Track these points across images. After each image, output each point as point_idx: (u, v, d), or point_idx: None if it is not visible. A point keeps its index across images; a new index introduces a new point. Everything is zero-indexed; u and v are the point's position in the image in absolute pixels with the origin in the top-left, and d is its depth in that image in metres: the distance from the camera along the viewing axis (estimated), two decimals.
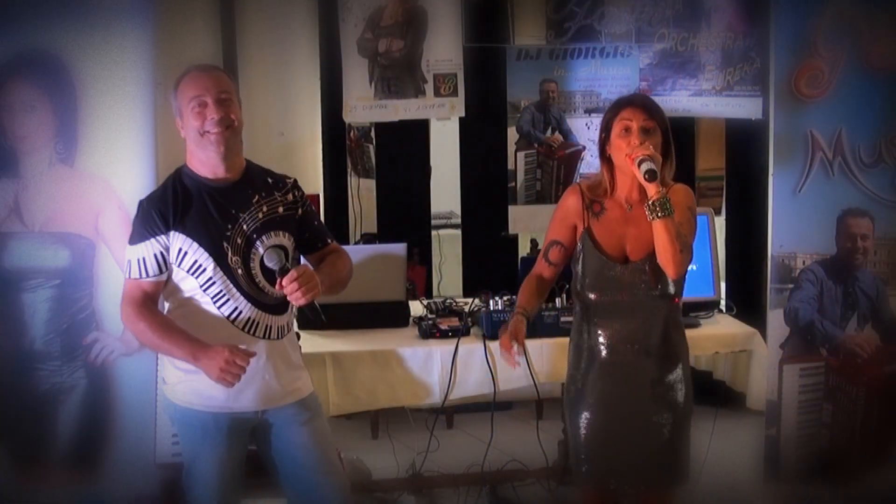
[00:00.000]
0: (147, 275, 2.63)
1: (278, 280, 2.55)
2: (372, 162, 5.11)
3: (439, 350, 3.38)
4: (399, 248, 3.63)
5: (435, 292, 5.11)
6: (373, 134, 5.08)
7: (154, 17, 3.24)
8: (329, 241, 2.83)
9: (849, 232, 3.64)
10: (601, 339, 2.77)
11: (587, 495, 2.90)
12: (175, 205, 2.61)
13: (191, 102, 2.59)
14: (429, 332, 3.46)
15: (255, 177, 2.71)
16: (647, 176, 2.56)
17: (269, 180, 2.72)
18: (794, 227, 3.64)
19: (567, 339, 3.30)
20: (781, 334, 3.66)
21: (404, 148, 5.03)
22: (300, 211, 2.74)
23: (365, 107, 4.74)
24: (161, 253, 2.61)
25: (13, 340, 3.23)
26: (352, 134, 5.10)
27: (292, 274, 2.52)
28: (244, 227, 2.61)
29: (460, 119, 4.89)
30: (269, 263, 2.58)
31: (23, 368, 3.24)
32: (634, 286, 2.71)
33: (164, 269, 2.63)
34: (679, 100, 4.80)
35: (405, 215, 4.97)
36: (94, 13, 3.17)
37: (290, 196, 2.72)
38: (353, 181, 5.11)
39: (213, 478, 2.68)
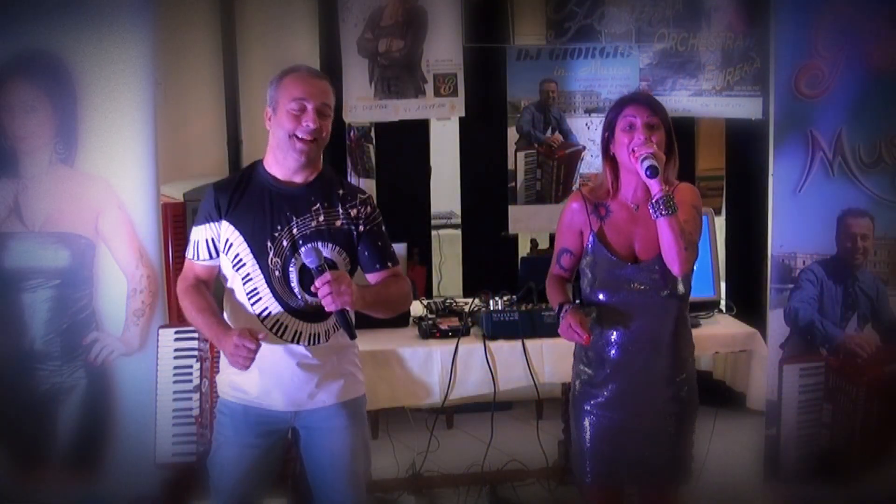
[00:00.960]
0: (198, 258, 2.68)
1: (315, 284, 2.50)
2: (372, 162, 5.11)
3: (439, 350, 3.38)
4: (399, 249, 3.62)
5: (435, 292, 5.11)
6: (373, 134, 5.08)
7: (154, 17, 3.24)
8: (389, 264, 2.73)
9: (849, 232, 3.63)
10: (612, 339, 2.77)
11: (591, 495, 2.90)
12: (234, 196, 2.62)
13: (291, 102, 2.56)
14: (429, 332, 3.46)
15: (326, 185, 2.67)
16: (648, 172, 2.57)
17: (340, 192, 2.67)
18: (794, 227, 3.64)
19: (567, 340, 3.31)
20: (781, 334, 3.66)
21: (404, 148, 5.03)
22: (362, 228, 2.67)
23: (365, 107, 4.74)
24: (212, 240, 2.64)
25: (13, 340, 3.24)
26: (352, 134, 5.10)
27: (326, 276, 2.48)
28: (294, 231, 2.60)
29: (460, 119, 4.89)
30: (305, 260, 2.54)
31: (23, 368, 3.24)
32: (644, 286, 2.71)
33: (213, 255, 2.66)
34: (679, 100, 4.80)
35: (405, 215, 4.97)
36: (94, 13, 3.17)
37: (354, 211, 2.66)
38: (353, 181, 5.11)
39: (231, 467, 2.69)
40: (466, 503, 3.92)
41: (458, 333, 3.43)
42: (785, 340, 3.67)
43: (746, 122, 4.85)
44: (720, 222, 5.05)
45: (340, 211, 2.65)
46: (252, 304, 2.63)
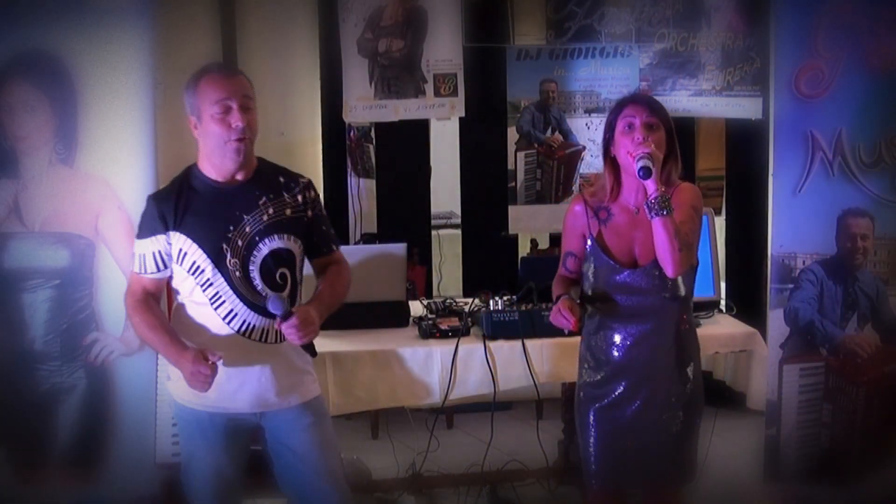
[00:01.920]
0: (145, 271, 2.65)
1: (278, 321, 2.54)
2: (372, 162, 5.11)
3: (439, 350, 3.38)
4: (399, 248, 3.62)
5: (435, 292, 5.10)
6: (373, 134, 5.08)
7: (154, 17, 3.24)
8: (334, 247, 2.78)
9: (849, 232, 3.63)
10: (614, 341, 2.77)
11: (595, 495, 2.90)
12: (178, 205, 2.59)
13: (213, 106, 2.54)
14: (429, 332, 3.46)
15: (266, 177, 2.66)
16: (641, 172, 2.56)
17: (281, 180, 2.68)
18: (794, 227, 3.64)
19: (567, 340, 3.31)
20: (781, 334, 3.66)
21: (404, 148, 5.02)
22: (310, 213, 2.69)
23: (365, 107, 4.74)
24: (160, 252, 2.61)
25: (13, 340, 3.23)
26: (352, 134, 5.10)
27: (293, 321, 2.51)
28: (247, 229, 2.59)
29: (460, 119, 4.89)
30: (272, 309, 2.53)
31: (23, 368, 3.24)
32: (644, 290, 2.70)
33: (162, 267, 2.63)
34: (679, 100, 4.80)
35: (405, 215, 4.97)
36: (94, 13, 3.17)
37: (299, 197, 2.67)
38: (353, 181, 5.11)
39: (208, 475, 2.69)
40: (466, 503, 3.92)
41: (458, 333, 3.43)
42: (785, 340, 3.67)
43: (746, 122, 4.85)
44: (720, 222, 5.05)
45: (287, 199, 2.64)
46: (217, 309, 2.60)
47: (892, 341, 3.70)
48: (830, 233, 3.63)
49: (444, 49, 4.74)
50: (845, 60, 3.56)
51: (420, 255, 4.94)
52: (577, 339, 3.30)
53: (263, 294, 2.60)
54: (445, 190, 5.24)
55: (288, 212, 2.64)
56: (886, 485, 3.69)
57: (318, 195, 2.75)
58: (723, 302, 3.89)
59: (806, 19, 3.57)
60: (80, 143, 3.21)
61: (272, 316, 2.60)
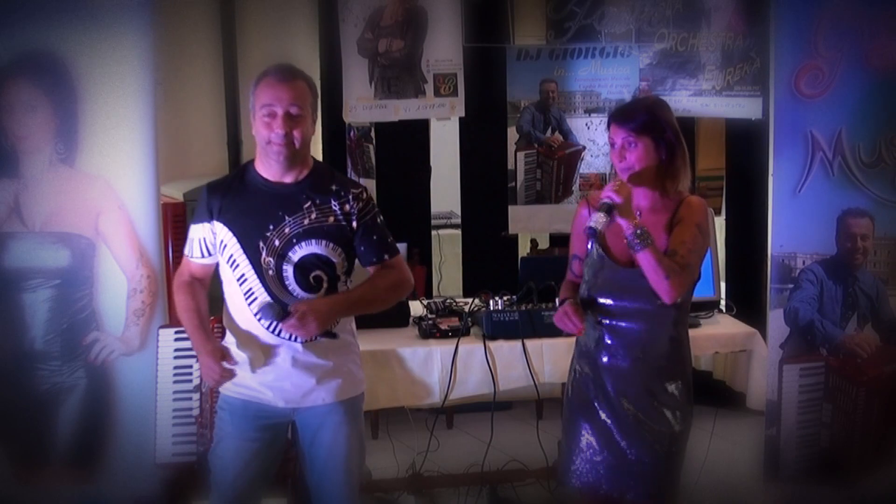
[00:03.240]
0: (192, 255, 2.74)
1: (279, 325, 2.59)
2: (372, 162, 5.11)
3: (439, 350, 3.38)
4: (399, 249, 3.62)
5: (435, 292, 5.11)
6: (373, 134, 5.08)
7: (154, 17, 3.24)
8: (386, 257, 2.73)
9: (849, 232, 3.63)
10: (604, 343, 2.77)
11: (575, 497, 2.89)
12: (226, 196, 2.65)
13: (262, 110, 2.59)
14: (429, 332, 3.46)
15: (318, 182, 2.66)
16: (588, 231, 2.60)
17: (333, 187, 2.67)
18: (794, 227, 3.64)
19: (567, 339, 3.31)
20: (781, 334, 3.66)
21: (404, 148, 5.03)
22: (355, 223, 2.67)
23: (365, 107, 4.75)
24: (205, 239, 2.69)
25: (13, 340, 3.24)
26: (352, 134, 5.10)
27: (290, 321, 2.53)
28: (286, 230, 2.61)
29: (460, 119, 4.90)
30: (263, 319, 2.60)
31: (23, 368, 3.24)
32: (639, 292, 2.69)
33: (206, 254, 2.71)
34: (679, 100, 4.80)
35: (405, 215, 4.96)
36: (94, 13, 3.17)
37: (347, 206, 2.65)
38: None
39: (231, 461, 2.70)
40: (466, 503, 3.92)
41: (458, 333, 3.43)
42: (785, 340, 3.67)
43: (746, 122, 4.85)
44: (720, 222, 5.05)
45: (333, 206, 2.65)
46: (249, 304, 2.64)
47: (892, 341, 3.70)
48: (830, 233, 3.63)
49: (444, 49, 4.75)
50: (845, 60, 3.56)
51: (420, 255, 4.94)
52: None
53: (295, 295, 2.62)
54: (445, 190, 5.25)
55: (331, 219, 2.64)
56: (886, 485, 3.69)
57: (372, 204, 2.72)
58: (723, 302, 3.89)
59: (806, 19, 3.57)
60: (81, 142, 3.21)
61: None
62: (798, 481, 3.71)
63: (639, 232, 2.57)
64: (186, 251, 2.76)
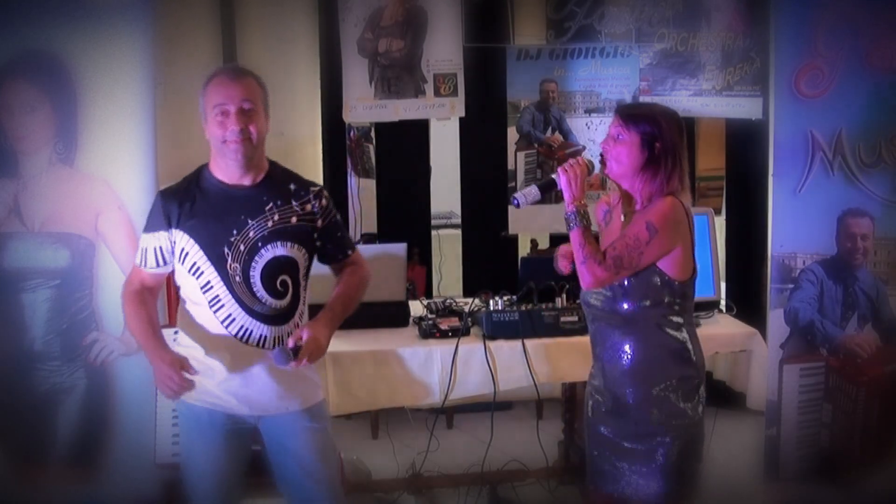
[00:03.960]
0: (145, 265, 2.65)
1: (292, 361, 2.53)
2: (372, 162, 5.11)
3: (439, 350, 3.38)
4: (399, 248, 3.63)
5: (435, 292, 5.11)
6: (373, 134, 5.08)
7: (154, 17, 3.24)
8: (350, 252, 2.79)
9: (849, 232, 3.63)
10: (595, 343, 2.76)
11: (587, 497, 2.89)
12: (184, 204, 2.59)
13: (214, 109, 2.56)
14: (429, 332, 3.46)
15: (276, 183, 2.66)
16: (515, 197, 2.66)
17: (292, 187, 2.66)
18: (794, 227, 3.64)
19: (567, 339, 3.33)
20: (781, 334, 3.66)
21: (404, 148, 5.03)
22: (320, 222, 2.68)
23: (365, 107, 4.74)
24: (161, 248, 2.61)
25: (13, 340, 3.23)
26: (352, 134, 5.11)
27: (304, 361, 2.51)
28: (250, 234, 2.58)
29: (460, 119, 4.89)
30: (277, 364, 2.51)
31: (23, 368, 3.24)
32: (616, 293, 2.65)
33: (161, 263, 2.63)
34: (679, 100, 4.80)
35: (405, 215, 4.97)
36: (94, 13, 3.17)
37: (308, 206, 2.66)
38: (353, 181, 5.11)
39: (206, 473, 2.69)
40: (466, 503, 3.92)
41: (458, 333, 3.43)
42: (785, 340, 3.67)
43: (746, 122, 4.85)
44: (720, 222, 5.05)
45: (295, 207, 2.64)
46: (215, 312, 2.59)
47: (892, 341, 3.70)
48: (830, 233, 3.63)
49: (444, 49, 4.74)
50: (845, 60, 3.56)
51: (420, 255, 4.94)
52: (578, 338, 3.32)
53: (263, 301, 2.59)
54: (445, 190, 5.24)
55: (294, 220, 2.63)
56: (886, 485, 3.69)
57: (331, 202, 2.73)
58: (723, 302, 3.89)
59: (806, 19, 3.57)
60: (81, 142, 3.21)
61: (271, 322, 2.60)
62: (798, 481, 3.71)
63: (576, 211, 2.59)
64: (137, 261, 2.66)
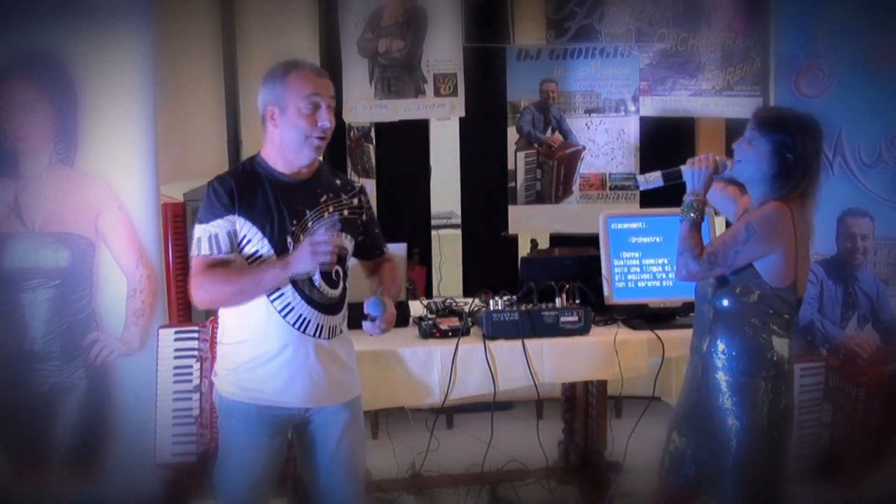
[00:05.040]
0: (220, 251, 2.52)
1: (370, 320, 2.59)
2: (372, 162, 5.11)
3: (439, 350, 3.38)
4: (399, 248, 3.62)
5: (435, 292, 5.11)
6: (373, 134, 5.08)
7: (154, 17, 3.25)
8: (385, 249, 2.85)
9: (849, 232, 3.64)
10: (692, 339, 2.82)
11: (660, 490, 2.90)
12: (245, 191, 2.55)
13: (304, 100, 2.52)
14: (429, 332, 3.45)
15: (326, 177, 2.68)
16: (637, 180, 2.72)
17: (338, 182, 2.70)
18: None
19: (567, 340, 3.32)
20: None
21: (404, 148, 5.03)
22: (364, 217, 2.73)
23: (365, 107, 4.75)
24: (232, 232, 2.53)
25: (13, 340, 3.23)
26: (352, 134, 5.10)
27: (383, 323, 2.58)
28: (309, 224, 2.59)
29: (460, 119, 4.90)
30: (372, 311, 2.57)
31: (23, 368, 3.24)
32: (709, 290, 2.72)
33: (234, 247, 2.54)
34: (679, 100, 4.80)
35: (405, 215, 4.97)
36: (94, 13, 3.17)
37: (355, 200, 2.70)
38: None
39: (246, 472, 2.65)
40: (466, 503, 3.92)
41: (458, 333, 3.42)
42: None
43: (746, 122, 4.84)
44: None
45: (345, 200, 2.67)
46: (273, 301, 2.57)
47: (892, 341, 3.70)
48: (830, 233, 3.63)
49: (444, 49, 4.75)
50: (845, 60, 3.57)
51: (420, 255, 4.94)
52: (578, 338, 3.32)
53: (321, 289, 2.60)
54: (445, 190, 5.25)
55: (346, 212, 2.67)
56: (886, 485, 3.69)
57: (369, 199, 2.79)
58: None
59: (806, 19, 3.58)
60: (80, 143, 3.21)
61: (326, 311, 2.62)
62: (798, 481, 3.70)
63: (692, 204, 2.65)
64: (204, 251, 2.52)
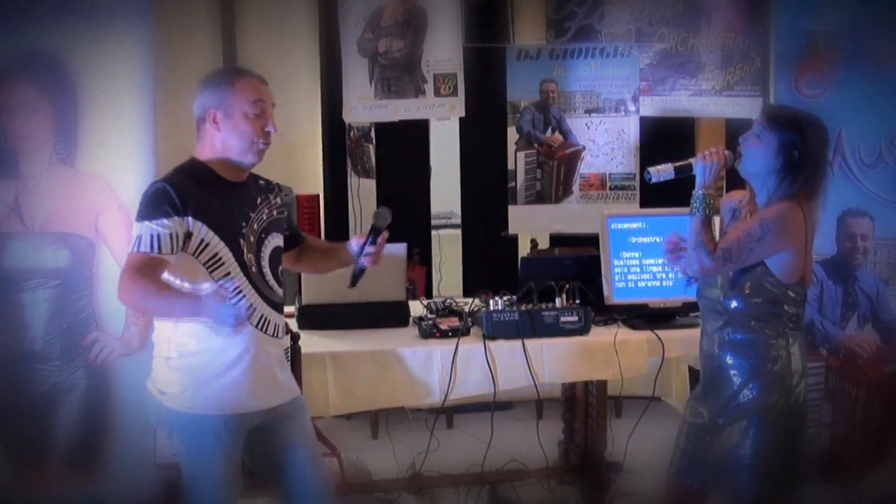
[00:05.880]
0: (159, 250, 2.44)
1: (372, 236, 2.81)
2: (372, 162, 5.11)
3: (439, 350, 3.38)
4: (399, 249, 3.62)
5: (435, 292, 5.11)
6: (373, 134, 5.08)
7: (154, 17, 3.24)
8: (304, 233, 2.99)
9: (849, 232, 3.63)
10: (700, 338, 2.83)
11: (671, 490, 2.89)
12: (194, 194, 2.52)
13: (250, 105, 2.55)
14: (429, 332, 3.45)
15: (255, 179, 2.74)
16: (649, 171, 2.71)
17: (262, 183, 2.76)
18: None
19: (567, 340, 3.32)
20: None
21: (404, 148, 5.03)
22: (286, 213, 2.81)
23: (365, 107, 4.75)
24: (176, 234, 2.47)
25: (13, 340, 3.23)
26: (352, 134, 5.10)
27: (382, 240, 2.81)
28: (255, 226, 2.63)
29: (460, 119, 4.90)
30: (383, 222, 2.81)
31: (22, 368, 3.24)
32: (716, 289, 2.73)
33: (174, 249, 2.46)
34: (679, 100, 4.81)
35: (405, 215, 4.95)
36: (94, 13, 3.16)
37: (279, 199, 2.77)
38: (353, 181, 5.11)
39: (223, 485, 2.61)
40: (466, 503, 3.92)
41: (458, 333, 3.42)
42: None
43: (746, 122, 4.84)
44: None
45: (272, 200, 2.73)
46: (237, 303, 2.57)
47: (892, 341, 3.70)
48: (830, 233, 3.63)
49: (444, 49, 4.75)
50: (845, 60, 3.56)
51: (420, 255, 4.94)
52: (578, 338, 3.32)
53: (273, 288, 2.65)
54: (445, 190, 5.25)
55: (275, 212, 2.73)
56: (886, 485, 3.69)
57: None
58: None
59: (806, 19, 3.57)
60: (81, 143, 3.20)
61: (279, 310, 2.67)
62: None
63: (703, 197, 2.65)
64: (143, 248, 2.44)
